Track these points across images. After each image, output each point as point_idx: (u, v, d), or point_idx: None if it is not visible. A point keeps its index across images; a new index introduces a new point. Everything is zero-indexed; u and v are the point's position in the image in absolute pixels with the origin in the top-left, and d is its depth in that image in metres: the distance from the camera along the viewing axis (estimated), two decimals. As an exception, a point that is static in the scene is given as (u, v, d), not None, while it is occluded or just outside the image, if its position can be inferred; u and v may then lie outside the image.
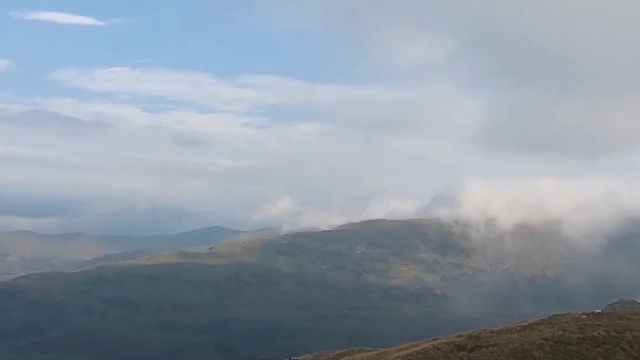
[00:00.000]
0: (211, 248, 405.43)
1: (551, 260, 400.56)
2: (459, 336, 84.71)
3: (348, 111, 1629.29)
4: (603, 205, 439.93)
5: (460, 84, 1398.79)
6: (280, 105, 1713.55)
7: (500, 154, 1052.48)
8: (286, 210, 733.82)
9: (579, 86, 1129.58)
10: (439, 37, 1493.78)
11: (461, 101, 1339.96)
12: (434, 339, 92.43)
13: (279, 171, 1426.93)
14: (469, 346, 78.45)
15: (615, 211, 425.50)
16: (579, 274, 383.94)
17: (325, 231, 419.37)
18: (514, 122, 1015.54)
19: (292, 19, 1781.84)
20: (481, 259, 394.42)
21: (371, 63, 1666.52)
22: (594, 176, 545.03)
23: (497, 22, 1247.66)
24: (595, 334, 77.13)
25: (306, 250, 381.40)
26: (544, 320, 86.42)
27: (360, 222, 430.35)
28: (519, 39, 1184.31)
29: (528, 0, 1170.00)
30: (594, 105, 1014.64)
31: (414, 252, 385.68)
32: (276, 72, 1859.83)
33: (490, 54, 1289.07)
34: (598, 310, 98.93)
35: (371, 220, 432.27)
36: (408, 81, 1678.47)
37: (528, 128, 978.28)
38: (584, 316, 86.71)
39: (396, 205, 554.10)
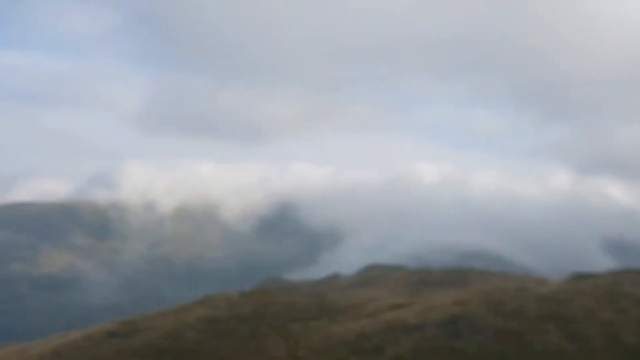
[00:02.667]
0: None
1: (209, 243, 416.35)
2: (113, 323, 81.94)
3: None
4: (257, 190, 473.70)
5: (123, 61, 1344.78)
6: None
7: (163, 136, 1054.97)
8: None
9: (240, 74, 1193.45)
10: (102, 8, 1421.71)
11: (123, 79, 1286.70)
12: (86, 328, 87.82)
13: None
14: (123, 332, 76.34)
15: (268, 195, 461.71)
16: (234, 256, 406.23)
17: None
18: (176, 105, 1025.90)
19: None
20: (140, 243, 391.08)
21: (22, 25, 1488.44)
22: (250, 162, 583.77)
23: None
24: (243, 310, 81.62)
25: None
26: (199, 301, 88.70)
27: (2, 205, 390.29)
28: (181, 20, 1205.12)
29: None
30: (252, 94, 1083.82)
31: (68, 237, 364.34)
32: None
33: (152, 32, 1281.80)
34: (248, 289, 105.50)
35: (16, 203, 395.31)
36: (67, 52, 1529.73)
37: (190, 111, 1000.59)
38: (235, 295, 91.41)
39: (47, 186, 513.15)
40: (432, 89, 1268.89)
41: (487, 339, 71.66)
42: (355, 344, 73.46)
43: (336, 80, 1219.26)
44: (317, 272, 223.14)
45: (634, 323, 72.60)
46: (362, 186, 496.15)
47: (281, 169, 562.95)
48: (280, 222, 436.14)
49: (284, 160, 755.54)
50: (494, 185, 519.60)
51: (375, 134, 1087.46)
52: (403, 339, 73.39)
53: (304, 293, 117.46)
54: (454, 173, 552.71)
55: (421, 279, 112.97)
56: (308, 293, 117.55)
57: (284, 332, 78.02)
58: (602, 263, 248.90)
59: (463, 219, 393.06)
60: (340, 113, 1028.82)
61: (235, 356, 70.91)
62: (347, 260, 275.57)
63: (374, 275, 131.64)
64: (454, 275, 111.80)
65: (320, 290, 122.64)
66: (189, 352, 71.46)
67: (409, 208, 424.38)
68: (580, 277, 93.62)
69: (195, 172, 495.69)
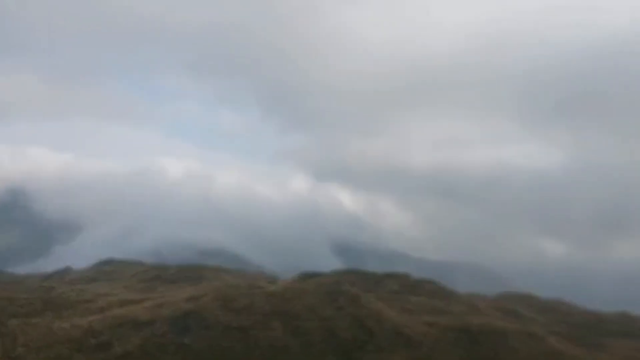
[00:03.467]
0: None
1: None
2: None
3: None
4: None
5: None
6: None
7: None
8: None
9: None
10: None
11: None
12: None
13: None
14: None
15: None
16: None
17: None
18: None
19: None
20: None
21: None
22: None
23: None
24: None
25: None
26: None
27: None
28: None
29: None
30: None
31: None
32: None
33: None
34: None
35: None
36: None
37: None
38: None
39: None
40: (182, 85, 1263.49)
41: (216, 335, 73.30)
42: (80, 341, 70.27)
43: (82, 65, 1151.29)
44: (47, 265, 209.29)
45: (349, 319, 79.88)
46: (103, 177, 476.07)
47: (13, 152, 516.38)
48: (9, 210, 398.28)
49: (17, 143, 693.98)
50: (236, 185, 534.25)
51: (120, 124, 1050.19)
52: (132, 335, 71.95)
53: (28, 287, 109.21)
54: (197, 170, 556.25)
55: (156, 275, 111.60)
56: (33, 287, 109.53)
57: (1, 329, 71.90)
58: (330, 263, 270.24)
59: (204, 217, 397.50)
60: (85, 99, 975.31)
61: None
62: (81, 254, 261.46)
63: (107, 270, 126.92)
64: (190, 272, 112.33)
65: (47, 285, 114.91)
66: None
67: (150, 203, 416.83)
68: (307, 277, 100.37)
69: None
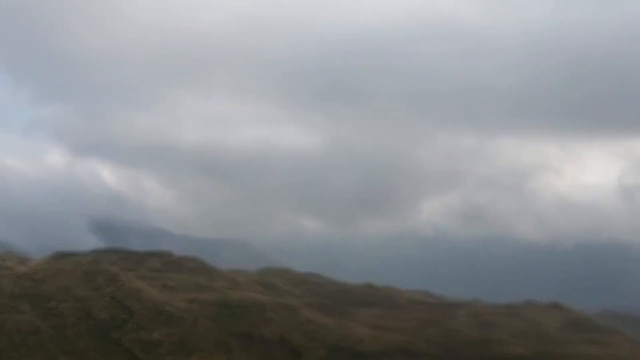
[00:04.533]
0: None
1: None
2: None
3: None
4: None
5: None
6: None
7: None
8: None
9: None
10: None
11: None
12: None
13: None
14: None
15: None
16: None
17: None
18: None
19: None
20: None
21: None
22: None
23: None
24: None
25: None
26: None
27: None
28: None
29: None
30: None
31: None
32: None
33: None
34: None
35: None
36: None
37: None
38: None
39: None
40: None
41: (-46, 322, 66.72)
42: None
43: None
44: None
45: (106, 299, 77.65)
46: None
47: None
48: None
49: None
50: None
51: None
52: None
53: None
54: None
55: None
56: None
57: None
58: (90, 242, 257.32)
59: None
60: None
61: None
62: None
63: None
64: None
65: None
66: None
67: None
68: (62, 256, 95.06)
69: None
